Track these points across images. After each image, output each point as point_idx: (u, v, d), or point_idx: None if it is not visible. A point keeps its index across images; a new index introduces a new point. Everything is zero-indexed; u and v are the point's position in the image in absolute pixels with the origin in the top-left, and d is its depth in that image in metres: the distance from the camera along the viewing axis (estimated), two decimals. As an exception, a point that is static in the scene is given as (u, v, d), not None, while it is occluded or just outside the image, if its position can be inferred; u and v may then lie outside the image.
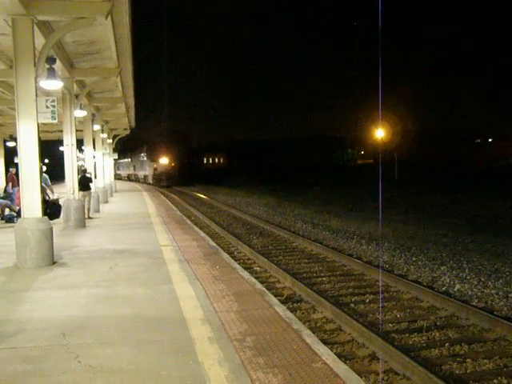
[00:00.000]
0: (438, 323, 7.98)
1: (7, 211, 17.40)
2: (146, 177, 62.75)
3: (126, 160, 78.28)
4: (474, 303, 8.98)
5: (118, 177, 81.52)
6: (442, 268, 11.74)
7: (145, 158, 62.26)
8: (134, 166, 71.67)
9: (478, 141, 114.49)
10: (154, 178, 58.15)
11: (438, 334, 7.48)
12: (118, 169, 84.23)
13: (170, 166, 58.58)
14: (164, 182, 56.56)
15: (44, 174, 18.46)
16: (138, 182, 66.31)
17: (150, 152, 60.02)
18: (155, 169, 58.15)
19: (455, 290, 9.95)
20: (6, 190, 20.46)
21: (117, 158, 54.28)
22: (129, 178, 76.27)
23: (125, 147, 77.59)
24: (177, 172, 59.11)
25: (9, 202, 17.58)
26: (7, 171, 26.31)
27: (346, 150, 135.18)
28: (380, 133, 64.41)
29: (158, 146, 59.23)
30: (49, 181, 18.75)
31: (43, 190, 10.54)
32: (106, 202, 26.83)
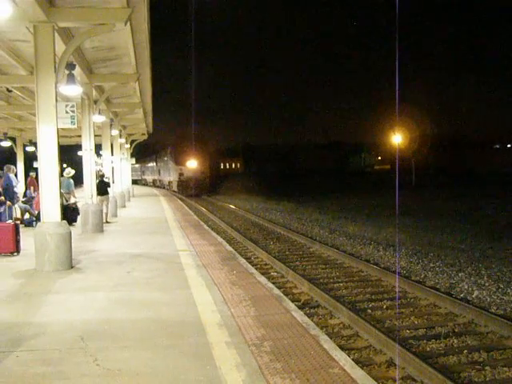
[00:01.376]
0: (456, 330, 7.92)
1: (27, 215, 17.59)
2: (170, 183, 53.47)
3: (151, 164, 69.62)
4: (493, 310, 8.91)
5: (143, 182, 76.52)
6: (460, 274, 11.66)
7: (169, 161, 52.57)
8: (159, 171, 62.54)
9: (497, 146, 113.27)
10: (179, 185, 48.65)
11: (456, 341, 7.43)
12: (144, 174, 77.68)
13: (199, 170, 48.60)
14: (191, 190, 47.07)
15: (70, 179, 18.65)
16: (164, 188, 57.88)
17: (174, 154, 49.74)
18: (181, 174, 48.40)
19: (473, 296, 9.88)
20: (26, 195, 20.68)
21: (134, 162, 52.99)
22: (154, 184, 67.26)
23: (151, 150, 71.68)
24: (207, 178, 50.02)
25: (28, 207, 17.76)
26: (27, 176, 26.69)
27: (362, 155, 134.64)
28: (397, 138, 64.03)
29: (184, 147, 48.83)
30: (73, 186, 18.93)
31: (61, 195, 10.65)
32: (124, 206, 26.99)
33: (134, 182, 77.42)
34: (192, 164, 48.23)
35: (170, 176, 52.48)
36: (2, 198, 12.09)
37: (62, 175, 18.67)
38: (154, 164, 66.65)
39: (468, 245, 16.27)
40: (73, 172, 18.54)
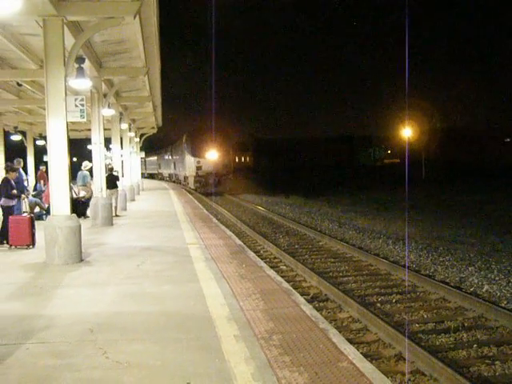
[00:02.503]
0: (466, 324, 7.90)
1: (37, 209, 17.67)
2: (186, 178, 44.40)
3: (167, 156, 60.21)
4: (503, 304, 8.86)
5: (160, 176, 68.60)
6: (469, 268, 11.60)
7: (184, 152, 43.11)
8: (174, 164, 53.18)
9: (508, 140, 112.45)
10: (196, 181, 40.42)
11: (465, 335, 7.41)
12: (160, 167, 69.03)
13: (221, 163, 40.27)
14: (211, 188, 39.51)
15: (86, 172, 18.71)
16: (180, 183, 49.48)
17: (190, 143, 41.20)
18: (198, 167, 40.10)
19: (483, 290, 9.83)
20: (36, 188, 20.77)
21: (144, 156, 50.08)
22: (170, 178, 58.61)
23: (169, 140, 62.08)
24: (231, 173, 41.82)
25: (38, 200, 17.84)
26: (37, 169, 26.83)
27: (372, 149, 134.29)
28: (407, 132, 63.79)
29: (202, 134, 40.81)
30: (89, 178, 18.98)
31: (70, 188, 10.73)
32: (133, 200, 27.05)
33: (151, 176, 74.00)
34: (212, 155, 39.88)
35: (186, 170, 43.40)
36: (14, 191, 12.21)
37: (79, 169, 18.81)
38: (170, 156, 57.47)
39: (478, 239, 16.19)
40: (90, 165, 18.57)
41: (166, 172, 63.23)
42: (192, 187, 41.20)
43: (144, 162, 78.17)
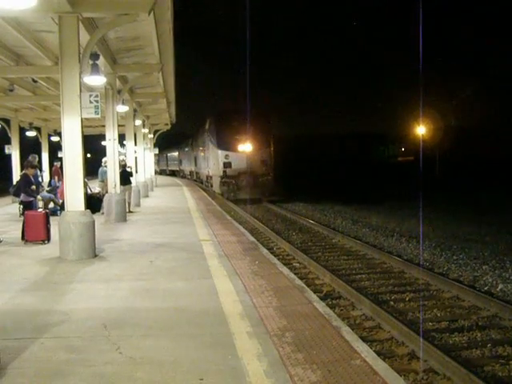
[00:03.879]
0: (480, 323, 7.84)
1: (51, 204, 17.80)
2: (209, 178, 34.52)
3: (188, 150, 50.01)
4: (518, 304, 8.78)
5: (181, 174, 59.31)
6: (484, 267, 11.52)
7: (207, 143, 32.86)
8: (195, 159, 43.02)
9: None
10: (223, 183, 29.29)
11: (479, 335, 7.36)
12: (181, 163, 58.89)
13: (257, 158, 29.08)
14: (244, 192, 28.55)
15: (104, 168, 18.81)
16: (201, 183, 40.22)
17: (216, 130, 30.38)
18: (226, 164, 29.09)
19: (498, 289, 9.76)
20: (50, 184, 20.93)
21: (158, 152, 47.64)
22: (191, 177, 48.79)
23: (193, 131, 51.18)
24: (271, 173, 29.91)
25: (52, 196, 17.98)
26: (51, 165, 27.01)
27: (386, 146, 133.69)
28: (421, 129, 63.42)
29: (233, 118, 29.79)
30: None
31: (85, 184, 10.83)
32: (147, 196, 27.16)
33: (173, 173, 68.83)
34: (247, 148, 28.99)
35: (209, 167, 32.98)
36: (33, 187, 12.39)
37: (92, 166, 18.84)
38: (190, 149, 46.94)
39: (492, 237, 16.07)
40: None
41: (187, 169, 53.39)
42: (217, 191, 30.74)
43: (165, 158, 76.12)
